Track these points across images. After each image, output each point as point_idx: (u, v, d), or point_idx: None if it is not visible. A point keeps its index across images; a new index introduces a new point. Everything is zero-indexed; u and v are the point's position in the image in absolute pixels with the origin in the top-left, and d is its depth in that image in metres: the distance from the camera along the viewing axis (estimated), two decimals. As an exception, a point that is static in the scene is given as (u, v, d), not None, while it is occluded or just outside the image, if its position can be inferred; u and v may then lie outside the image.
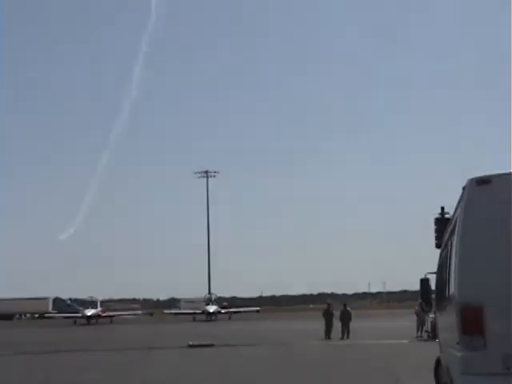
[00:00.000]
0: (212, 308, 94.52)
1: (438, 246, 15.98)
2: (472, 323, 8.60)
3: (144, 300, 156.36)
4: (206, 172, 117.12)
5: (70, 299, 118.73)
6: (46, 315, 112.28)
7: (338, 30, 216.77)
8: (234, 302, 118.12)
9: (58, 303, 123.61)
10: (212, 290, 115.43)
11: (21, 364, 29.61)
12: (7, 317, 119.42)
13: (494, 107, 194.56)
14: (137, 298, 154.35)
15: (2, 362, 30.64)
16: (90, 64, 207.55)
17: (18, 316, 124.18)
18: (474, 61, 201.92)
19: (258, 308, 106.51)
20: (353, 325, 42.52)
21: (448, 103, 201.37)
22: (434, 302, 15.05)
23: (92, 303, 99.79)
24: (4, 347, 39.74)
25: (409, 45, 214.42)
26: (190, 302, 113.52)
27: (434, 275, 14.67)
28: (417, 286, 16.69)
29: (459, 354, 8.85)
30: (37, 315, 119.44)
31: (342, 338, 40.32)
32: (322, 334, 41.72)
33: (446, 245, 12.55)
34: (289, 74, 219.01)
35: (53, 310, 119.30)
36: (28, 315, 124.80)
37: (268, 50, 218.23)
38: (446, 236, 12.49)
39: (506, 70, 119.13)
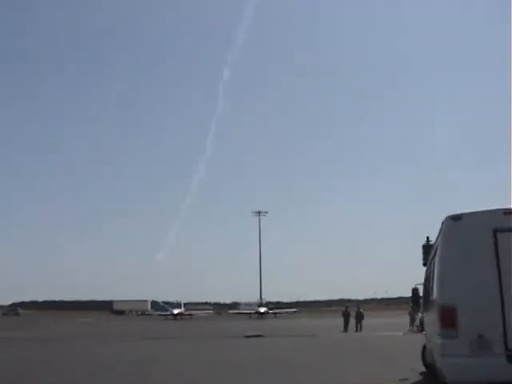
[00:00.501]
0: (262, 309, 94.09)
1: (424, 264, 15.82)
2: (448, 319, 8.67)
3: (214, 303, 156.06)
4: (259, 212, 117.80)
5: (163, 302, 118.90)
6: (146, 313, 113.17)
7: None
8: (278, 304, 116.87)
9: (155, 304, 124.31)
10: (263, 296, 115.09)
11: (122, 347, 29.83)
12: (121, 312, 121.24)
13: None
14: (209, 301, 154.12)
15: (110, 345, 30.94)
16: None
17: (127, 312, 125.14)
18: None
19: (295, 309, 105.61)
20: (363, 322, 42.27)
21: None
22: (421, 305, 14.95)
23: (178, 305, 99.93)
24: (115, 335, 40.23)
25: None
26: (247, 304, 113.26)
27: (422, 286, 14.59)
28: (409, 293, 16.60)
29: (439, 342, 8.91)
30: (140, 312, 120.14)
31: (356, 331, 40.08)
32: (342, 328, 41.56)
33: (429, 264, 12.56)
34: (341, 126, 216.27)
35: (151, 309, 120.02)
36: (134, 312, 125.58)
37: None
38: (430, 257, 12.48)
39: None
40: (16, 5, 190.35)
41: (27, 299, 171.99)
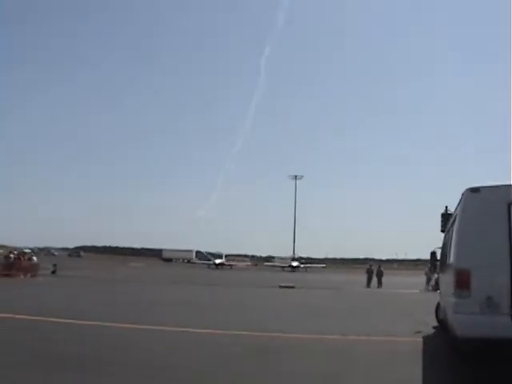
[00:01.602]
0: (295, 263, 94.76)
1: (442, 230, 15.85)
2: (462, 281, 8.76)
3: (252, 256, 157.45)
4: (296, 176, 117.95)
5: (207, 252, 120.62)
6: (191, 261, 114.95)
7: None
8: (309, 260, 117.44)
9: (199, 254, 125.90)
10: (295, 251, 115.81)
11: (173, 289, 30.63)
12: (169, 260, 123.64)
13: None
14: (248, 254, 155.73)
15: (164, 288, 31.79)
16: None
17: (175, 260, 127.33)
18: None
19: (324, 265, 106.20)
20: (384, 279, 42.53)
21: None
22: (438, 267, 15.01)
23: (219, 256, 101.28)
24: (166, 279, 41.24)
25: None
26: (281, 258, 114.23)
27: (439, 249, 14.63)
28: (427, 256, 16.69)
29: (453, 300, 9.03)
30: (186, 260, 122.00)
31: (378, 287, 40.19)
32: (365, 283, 41.65)
33: (448, 231, 12.60)
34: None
35: (195, 258, 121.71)
36: (180, 260, 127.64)
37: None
38: (449, 225, 12.53)
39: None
40: None
41: (88, 244, 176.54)
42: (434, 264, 15.84)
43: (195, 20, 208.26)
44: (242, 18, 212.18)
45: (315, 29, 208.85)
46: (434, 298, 16.33)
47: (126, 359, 9.19)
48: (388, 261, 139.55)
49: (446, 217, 16.24)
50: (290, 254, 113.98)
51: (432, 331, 13.94)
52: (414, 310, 19.56)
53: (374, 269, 43.80)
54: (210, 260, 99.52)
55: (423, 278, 39.75)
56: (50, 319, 13.72)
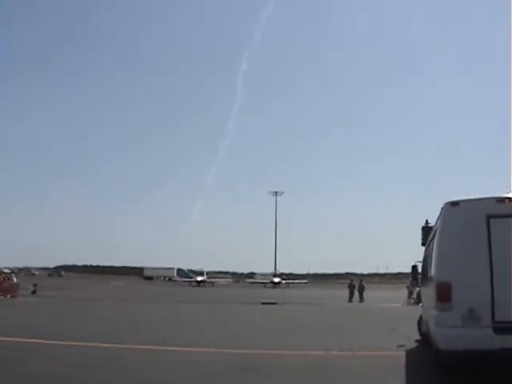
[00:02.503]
0: (276, 279, 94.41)
1: (423, 244, 15.86)
2: (443, 294, 8.76)
3: (233, 272, 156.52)
4: (276, 192, 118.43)
5: (188, 269, 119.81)
6: (172, 279, 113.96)
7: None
8: (290, 276, 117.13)
9: (180, 272, 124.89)
10: (277, 267, 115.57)
11: (155, 307, 30.31)
12: (150, 278, 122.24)
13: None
14: (229, 270, 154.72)
15: (145, 306, 31.43)
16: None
17: (156, 278, 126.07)
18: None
19: (306, 280, 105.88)
20: (366, 294, 42.48)
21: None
22: (419, 280, 15.03)
23: (201, 273, 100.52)
24: (148, 297, 40.77)
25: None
26: (263, 274, 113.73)
27: (420, 263, 14.66)
28: (409, 270, 16.73)
29: (435, 314, 9.03)
30: (167, 278, 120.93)
31: (359, 302, 40.18)
32: (346, 298, 41.59)
33: (428, 244, 12.65)
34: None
35: (176, 275, 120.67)
36: (161, 278, 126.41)
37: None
38: (429, 238, 12.56)
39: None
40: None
41: (69, 263, 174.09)
42: (416, 277, 15.88)
43: (173, 35, 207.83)
44: (219, 33, 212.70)
45: (292, 43, 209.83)
46: (416, 311, 16.32)
47: (104, 378, 9.01)
48: (369, 275, 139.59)
49: (426, 230, 16.24)
50: (271, 270, 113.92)
51: (415, 345, 13.89)
52: (397, 323, 19.51)
53: (355, 283, 43.77)
54: (191, 277, 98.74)
55: (405, 292, 39.82)
56: (29, 340, 13.43)
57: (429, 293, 10.49)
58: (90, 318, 21.57)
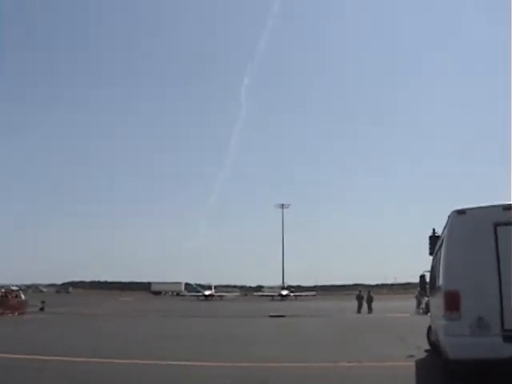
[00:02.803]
0: (284, 292, 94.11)
1: (430, 253, 15.79)
2: (452, 303, 8.73)
3: (241, 286, 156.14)
4: (283, 205, 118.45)
5: (196, 284, 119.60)
6: (180, 294, 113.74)
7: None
8: (298, 288, 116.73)
9: (188, 286, 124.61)
10: (285, 280, 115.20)
11: (163, 322, 30.25)
12: (158, 293, 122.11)
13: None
14: (237, 284, 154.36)
15: (154, 321, 31.38)
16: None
17: (163, 293, 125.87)
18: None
19: (314, 292, 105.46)
20: (374, 304, 42.26)
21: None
22: (428, 290, 14.98)
23: (209, 287, 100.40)
24: (157, 312, 40.72)
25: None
26: (271, 287, 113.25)
27: (428, 273, 14.61)
28: (417, 280, 16.64)
29: (443, 323, 8.99)
30: (175, 293, 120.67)
31: (368, 313, 39.99)
32: (355, 309, 41.42)
33: (436, 253, 12.61)
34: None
35: (184, 290, 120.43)
36: (169, 293, 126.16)
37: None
38: (437, 247, 12.53)
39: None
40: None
41: (76, 279, 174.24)
42: (424, 287, 15.82)
43: (176, 48, 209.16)
44: (223, 47, 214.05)
45: (296, 55, 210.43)
46: (425, 321, 16.25)
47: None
48: (377, 286, 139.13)
49: (433, 239, 16.18)
50: (279, 282, 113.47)
51: (424, 355, 13.82)
52: (406, 333, 19.41)
53: (363, 294, 43.59)
54: (199, 292, 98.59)
55: (413, 302, 39.64)
56: (38, 357, 13.43)
57: (437, 302, 10.45)
58: (99, 335, 21.57)
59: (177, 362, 12.79)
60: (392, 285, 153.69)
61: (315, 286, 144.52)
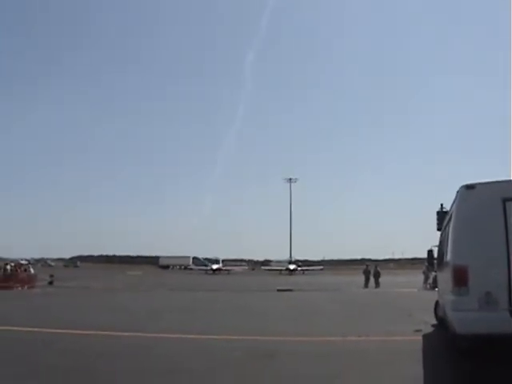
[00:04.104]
0: (292, 266, 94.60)
1: (438, 229, 15.86)
2: (460, 278, 8.76)
3: (249, 260, 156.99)
4: (290, 179, 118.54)
5: (203, 258, 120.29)
6: (188, 267, 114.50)
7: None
8: (306, 262, 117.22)
9: (196, 260, 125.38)
10: (292, 254, 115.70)
11: (172, 296, 30.55)
12: (166, 267, 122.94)
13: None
14: (244, 258, 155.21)
15: (163, 295, 31.71)
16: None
17: (171, 267, 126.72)
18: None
19: (322, 267, 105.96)
20: (381, 279, 42.41)
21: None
22: (435, 265, 15.03)
23: (216, 261, 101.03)
24: (165, 286, 41.10)
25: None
26: (278, 262, 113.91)
27: (436, 248, 14.66)
28: (424, 255, 16.72)
29: (451, 298, 9.04)
30: (182, 267, 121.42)
31: (375, 287, 40.17)
32: (362, 284, 41.62)
33: (444, 228, 12.63)
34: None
35: (192, 264, 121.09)
36: (177, 267, 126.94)
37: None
38: (445, 222, 12.55)
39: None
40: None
41: (85, 253, 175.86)
42: (432, 262, 15.88)
43: (179, 28, 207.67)
44: (226, 25, 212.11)
45: (302, 29, 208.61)
46: (433, 296, 16.35)
47: (124, 367, 9.20)
48: (385, 261, 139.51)
49: (441, 215, 16.23)
50: (286, 257, 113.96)
51: (431, 329, 13.93)
52: (413, 308, 19.51)
53: (370, 269, 43.70)
54: (206, 266, 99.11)
55: (421, 277, 39.75)
56: (47, 330, 13.66)
57: (445, 277, 10.50)
58: (108, 308, 21.83)
59: (185, 336, 12.95)
60: (399, 260, 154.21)
61: (323, 261, 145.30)
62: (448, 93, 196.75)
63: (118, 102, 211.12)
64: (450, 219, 10.54)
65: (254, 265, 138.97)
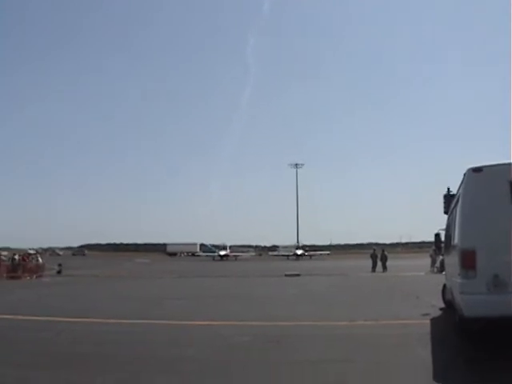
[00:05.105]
0: (299, 251, 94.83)
1: (445, 212, 15.80)
2: (467, 261, 8.75)
3: (256, 246, 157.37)
4: (296, 164, 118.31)
5: (211, 244, 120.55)
6: (195, 254, 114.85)
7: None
8: (313, 247, 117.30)
9: (203, 247, 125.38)
10: (299, 240, 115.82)
11: (180, 283, 30.72)
12: (173, 254, 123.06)
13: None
14: (251, 244, 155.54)
15: (171, 282, 31.87)
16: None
17: (179, 254, 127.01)
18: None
19: (328, 252, 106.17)
20: (389, 263, 42.30)
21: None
22: (443, 248, 15.02)
23: (224, 247, 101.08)
24: (173, 273, 41.34)
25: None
26: (285, 247, 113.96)
27: (443, 231, 14.63)
28: (432, 238, 16.70)
29: (459, 281, 9.03)
30: (190, 254, 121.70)
31: (382, 272, 40.15)
32: (369, 268, 41.59)
33: (451, 212, 12.59)
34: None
35: (200, 250, 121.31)
36: (185, 254, 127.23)
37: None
38: (452, 206, 12.50)
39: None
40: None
41: (92, 242, 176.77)
42: (439, 246, 15.86)
43: (180, 14, 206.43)
44: (227, 8, 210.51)
45: (305, 12, 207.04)
46: (440, 279, 16.36)
47: (131, 354, 9.31)
48: (392, 245, 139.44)
49: (448, 198, 16.17)
50: (293, 242, 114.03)
51: (439, 313, 13.97)
52: (420, 292, 19.56)
53: (378, 253, 43.64)
54: (214, 252, 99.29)
55: (428, 261, 39.73)
56: (57, 318, 13.80)
57: (453, 260, 10.50)
58: (116, 296, 22.01)
59: (193, 322, 13.08)
60: (407, 243, 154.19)
61: (330, 246, 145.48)
62: (449, 78, 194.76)
63: (119, 89, 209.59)
64: (456, 202, 10.51)
65: (262, 250, 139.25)
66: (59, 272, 39.92)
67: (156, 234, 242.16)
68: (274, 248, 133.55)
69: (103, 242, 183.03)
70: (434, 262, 36.82)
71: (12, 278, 33.35)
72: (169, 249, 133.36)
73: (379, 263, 42.17)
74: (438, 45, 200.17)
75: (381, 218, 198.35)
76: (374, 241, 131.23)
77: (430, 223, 72.21)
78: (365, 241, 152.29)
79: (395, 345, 9.62)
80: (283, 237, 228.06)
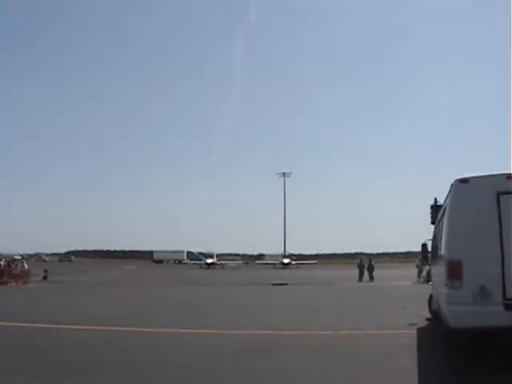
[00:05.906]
0: (286, 260, 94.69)
1: (432, 222, 15.85)
2: (454, 272, 8.75)
3: (243, 254, 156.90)
4: (284, 173, 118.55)
5: (198, 252, 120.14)
6: (182, 262, 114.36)
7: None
8: (300, 256, 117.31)
9: (190, 254, 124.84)
10: (286, 249, 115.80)
11: (165, 290, 30.53)
12: (160, 261, 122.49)
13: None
14: (238, 252, 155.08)
15: (158, 289, 31.68)
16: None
17: (166, 261, 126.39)
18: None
19: (316, 261, 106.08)
20: (376, 273, 42.37)
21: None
22: (429, 259, 15.04)
23: (211, 255, 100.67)
24: (160, 280, 41.05)
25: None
26: (272, 256, 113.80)
27: (430, 241, 14.66)
28: (418, 248, 16.71)
29: (445, 291, 9.03)
30: (177, 261, 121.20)
31: (369, 281, 40.18)
32: (356, 278, 41.62)
33: (438, 222, 12.62)
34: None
35: (186, 258, 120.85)
36: (171, 261, 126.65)
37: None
38: (439, 216, 12.52)
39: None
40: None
41: (79, 248, 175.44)
42: (426, 256, 15.88)
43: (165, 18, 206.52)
44: (213, 16, 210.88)
45: (290, 18, 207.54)
46: (426, 289, 16.37)
47: (117, 360, 9.22)
48: (379, 254, 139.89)
49: (435, 208, 16.21)
50: (280, 251, 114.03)
51: (425, 323, 13.95)
52: (407, 302, 19.55)
53: (365, 263, 43.70)
54: (201, 260, 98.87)
55: (415, 271, 39.83)
56: (42, 325, 13.63)
57: (439, 271, 10.50)
58: (102, 303, 21.79)
59: (180, 330, 12.97)
60: (393, 253, 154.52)
61: (317, 255, 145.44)
62: (443, 84, 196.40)
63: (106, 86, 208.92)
64: (443, 213, 10.53)
65: (248, 259, 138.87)
66: (45, 278, 39.47)
67: (143, 242, 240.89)
68: (261, 257, 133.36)
69: (90, 248, 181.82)
70: (420, 272, 36.91)
71: (-3, 283, 32.94)
72: (156, 256, 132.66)
73: (366, 273, 42.23)
74: (431, 51, 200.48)
75: (368, 228, 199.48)
76: (361, 250, 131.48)
77: (416, 233, 72.51)
78: (352, 250, 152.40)
79: (380, 355, 9.57)
80: (270, 245, 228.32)
